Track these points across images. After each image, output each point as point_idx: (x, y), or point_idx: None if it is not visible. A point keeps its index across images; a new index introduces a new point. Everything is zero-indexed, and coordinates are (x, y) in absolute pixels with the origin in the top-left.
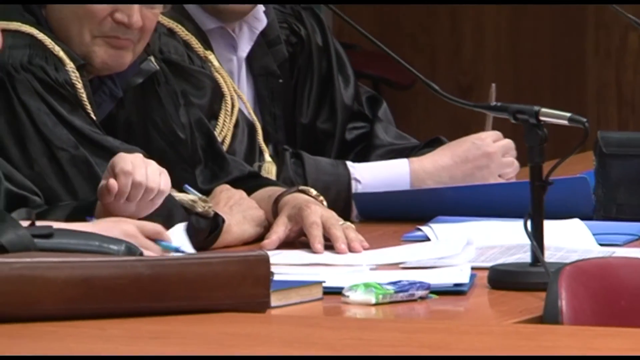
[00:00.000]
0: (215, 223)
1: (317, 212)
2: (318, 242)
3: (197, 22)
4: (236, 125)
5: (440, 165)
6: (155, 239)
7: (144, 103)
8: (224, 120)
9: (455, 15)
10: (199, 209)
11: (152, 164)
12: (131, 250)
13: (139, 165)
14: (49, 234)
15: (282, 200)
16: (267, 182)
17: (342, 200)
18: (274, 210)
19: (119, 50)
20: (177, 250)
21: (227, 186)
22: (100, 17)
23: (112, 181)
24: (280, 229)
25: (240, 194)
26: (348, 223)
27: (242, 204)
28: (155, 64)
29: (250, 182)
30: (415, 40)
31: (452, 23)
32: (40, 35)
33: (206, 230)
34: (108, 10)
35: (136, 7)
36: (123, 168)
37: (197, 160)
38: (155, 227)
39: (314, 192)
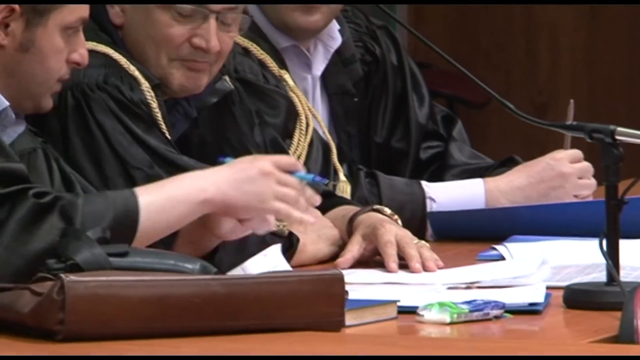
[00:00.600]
0: (290, 242)
1: (392, 231)
2: (392, 261)
3: (272, 41)
4: (311, 144)
5: (515, 185)
6: (291, 171)
7: (218, 122)
8: (299, 139)
9: (530, 34)
10: (274, 228)
11: None
12: (206, 269)
13: None
14: (124, 252)
15: (357, 219)
16: (342, 201)
17: (417, 219)
18: (349, 229)
19: (196, 73)
20: (313, 180)
21: None
22: (178, 42)
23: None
24: (354, 248)
25: (315, 212)
26: (422, 242)
27: (316, 223)
28: (230, 83)
29: (325, 201)
30: (490, 59)
31: (527, 41)
32: (116, 55)
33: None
34: (186, 35)
35: (214, 31)
36: None
37: None
38: (289, 159)
39: (388, 211)
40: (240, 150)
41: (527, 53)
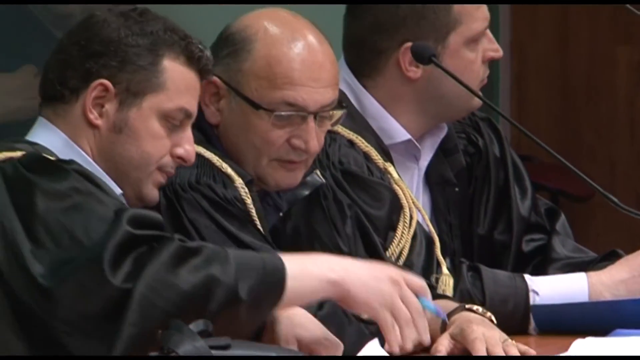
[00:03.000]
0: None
1: (479, 331)
2: (481, 352)
3: (385, 132)
4: (414, 237)
5: (618, 278)
6: (417, 295)
7: (309, 215)
8: (402, 232)
9: (634, 124)
10: (364, 316)
11: None
12: None
13: None
14: (226, 345)
15: (451, 319)
16: (436, 296)
17: (520, 312)
18: (442, 328)
19: (293, 172)
20: (437, 313)
21: None
22: (278, 145)
23: None
24: (445, 341)
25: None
26: (509, 340)
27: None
28: (320, 177)
29: None
30: (594, 151)
31: (631, 132)
32: (208, 154)
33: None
34: (285, 137)
35: (313, 131)
36: None
37: None
38: (420, 282)
39: (480, 309)
40: (329, 244)
41: (631, 144)
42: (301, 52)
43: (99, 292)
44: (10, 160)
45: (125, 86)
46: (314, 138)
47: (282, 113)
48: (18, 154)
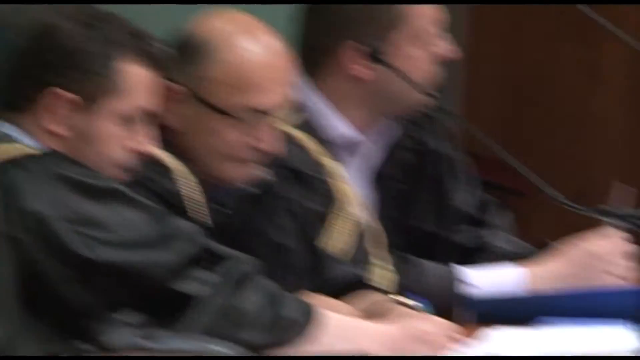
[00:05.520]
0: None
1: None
2: None
3: (328, 127)
4: (350, 230)
5: (553, 271)
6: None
7: (253, 211)
8: (339, 225)
9: (578, 122)
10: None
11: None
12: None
13: None
14: (154, 335)
15: (380, 311)
16: (368, 287)
17: (456, 304)
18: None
19: (246, 167)
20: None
21: (316, 295)
22: (240, 147)
23: None
24: None
25: (337, 302)
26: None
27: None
28: (267, 172)
29: (352, 286)
30: (536, 147)
31: (575, 129)
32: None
33: None
34: (247, 139)
35: (270, 132)
36: None
37: (300, 267)
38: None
39: (411, 302)
40: (273, 239)
41: (573, 142)
42: (261, 56)
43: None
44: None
45: (80, 93)
46: (276, 138)
47: (245, 117)
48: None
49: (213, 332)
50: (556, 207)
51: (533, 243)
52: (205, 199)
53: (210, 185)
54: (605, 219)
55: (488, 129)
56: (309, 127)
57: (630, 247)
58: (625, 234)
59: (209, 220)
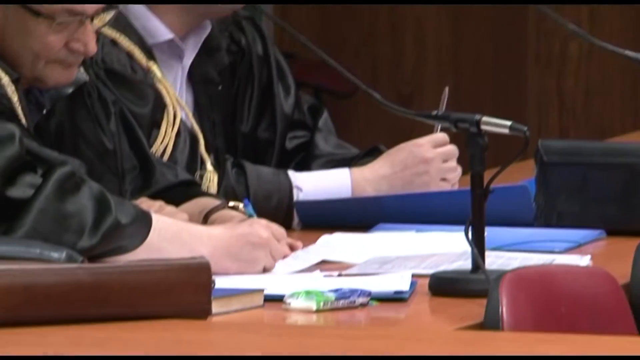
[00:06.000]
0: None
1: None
2: None
3: (144, 34)
4: (178, 135)
5: (380, 174)
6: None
7: (72, 113)
8: (166, 130)
9: (396, 26)
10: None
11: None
12: (72, 257)
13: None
14: None
15: (211, 217)
16: (201, 193)
17: (284, 208)
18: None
19: (70, 69)
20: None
21: (145, 198)
22: (57, 49)
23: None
24: None
25: (160, 204)
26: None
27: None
28: (84, 73)
29: (182, 191)
30: (357, 51)
31: (392, 36)
32: None
33: None
34: (64, 40)
35: (91, 34)
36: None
37: (126, 170)
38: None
39: (245, 208)
40: (93, 141)
41: (392, 47)
42: None
43: None
44: None
45: None
46: (92, 40)
47: (62, 20)
48: None
49: (39, 236)
50: (379, 109)
51: (361, 147)
52: (24, 100)
53: (29, 86)
54: (432, 122)
55: (304, 30)
56: (131, 30)
57: (456, 151)
58: (439, 135)
59: (27, 122)
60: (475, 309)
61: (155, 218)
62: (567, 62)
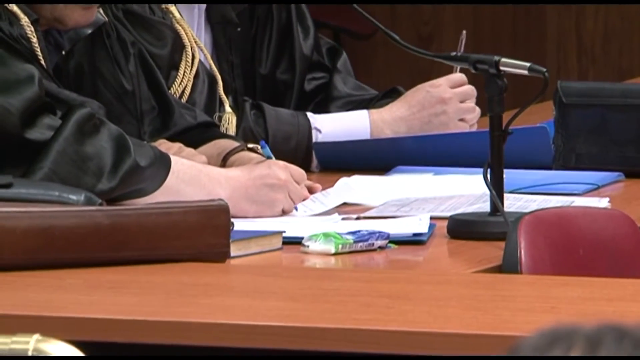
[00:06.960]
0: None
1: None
2: None
3: None
4: (196, 77)
5: (398, 115)
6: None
7: (91, 54)
8: (185, 71)
9: None
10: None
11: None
12: (91, 200)
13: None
14: (8, 183)
15: (230, 159)
16: (219, 135)
17: (303, 150)
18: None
19: (90, 10)
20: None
21: (163, 140)
22: None
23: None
24: None
25: (179, 145)
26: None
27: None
28: (103, 15)
29: (200, 133)
30: None
31: None
32: None
33: None
34: None
35: None
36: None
37: (145, 112)
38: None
39: (264, 150)
40: (112, 82)
41: None
42: None
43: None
44: None
45: None
46: None
47: None
48: None
49: (57, 178)
50: (398, 50)
51: (379, 89)
52: (43, 41)
53: (48, 27)
54: (451, 63)
55: None
56: None
57: (474, 91)
58: (457, 75)
59: (46, 64)
60: (494, 251)
61: (174, 160)
62: (586, 3)
